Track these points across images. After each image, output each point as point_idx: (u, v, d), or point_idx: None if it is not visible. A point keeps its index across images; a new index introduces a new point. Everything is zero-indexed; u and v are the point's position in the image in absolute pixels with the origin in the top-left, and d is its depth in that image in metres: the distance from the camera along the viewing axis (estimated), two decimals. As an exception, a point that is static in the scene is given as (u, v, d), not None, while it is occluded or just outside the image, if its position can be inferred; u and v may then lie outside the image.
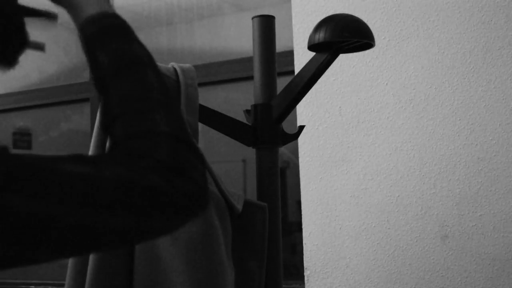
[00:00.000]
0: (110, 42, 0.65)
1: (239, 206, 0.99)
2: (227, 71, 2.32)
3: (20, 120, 2.93)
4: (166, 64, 0.99)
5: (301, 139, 1.93)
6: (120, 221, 0.55)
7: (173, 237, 0.90)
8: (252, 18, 1.09)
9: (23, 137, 2.94)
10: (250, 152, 1.09)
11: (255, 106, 1.07)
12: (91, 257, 0.91)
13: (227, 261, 0.95)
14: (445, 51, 1.77)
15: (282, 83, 1.06)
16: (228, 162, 2.36)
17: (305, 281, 1.92)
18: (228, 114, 1.07)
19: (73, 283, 0.95)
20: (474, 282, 1.71)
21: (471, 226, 1.72)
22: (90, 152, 0.96)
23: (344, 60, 1.88)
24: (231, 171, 2.36)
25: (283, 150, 2.19)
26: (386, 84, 1.84)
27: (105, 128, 0.64)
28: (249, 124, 1.07)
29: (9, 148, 0.53)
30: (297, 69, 1.94)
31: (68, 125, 2.81)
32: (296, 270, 2.17)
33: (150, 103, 0.62)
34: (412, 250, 1.78)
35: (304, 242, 1.92)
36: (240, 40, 2.43)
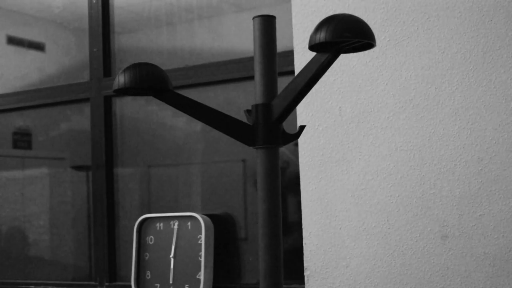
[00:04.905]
0: None
1: None
2: (227, 71, 2.32)
3: (20, 120, 2.94)
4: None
5: (301, 139, 1.93)
6: None
7: None
8: (253, 18, 1.10)
9: (23, 137, 2.94)
10: (250, 152, 1.10)
11: (255, 106, 1.07)
12: None
13: None
14: (445, 51, 1.77)
15: (282, 83, 1.06)
16: (228, 162, 2.36)
17: (305, 281, 1.92)
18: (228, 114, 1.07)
19: None
20: (474, 282, 1.71)
21: (471, 226, 1.72)
22: None
23: (344, 60, 1.88)
24: (231, 171, 2.36)
25: (283, 150, 2.19)
26: (386, 84, 1.84)
27: None
28: (250, 124, 1.07)
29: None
30: (297, 69, 1.94)
31: (68, 125, 2.80)
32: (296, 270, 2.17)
33: None
34: (412, 250, 1.78)
35: (304, 242, 1.92)
36: (240, 40, 2.43)
